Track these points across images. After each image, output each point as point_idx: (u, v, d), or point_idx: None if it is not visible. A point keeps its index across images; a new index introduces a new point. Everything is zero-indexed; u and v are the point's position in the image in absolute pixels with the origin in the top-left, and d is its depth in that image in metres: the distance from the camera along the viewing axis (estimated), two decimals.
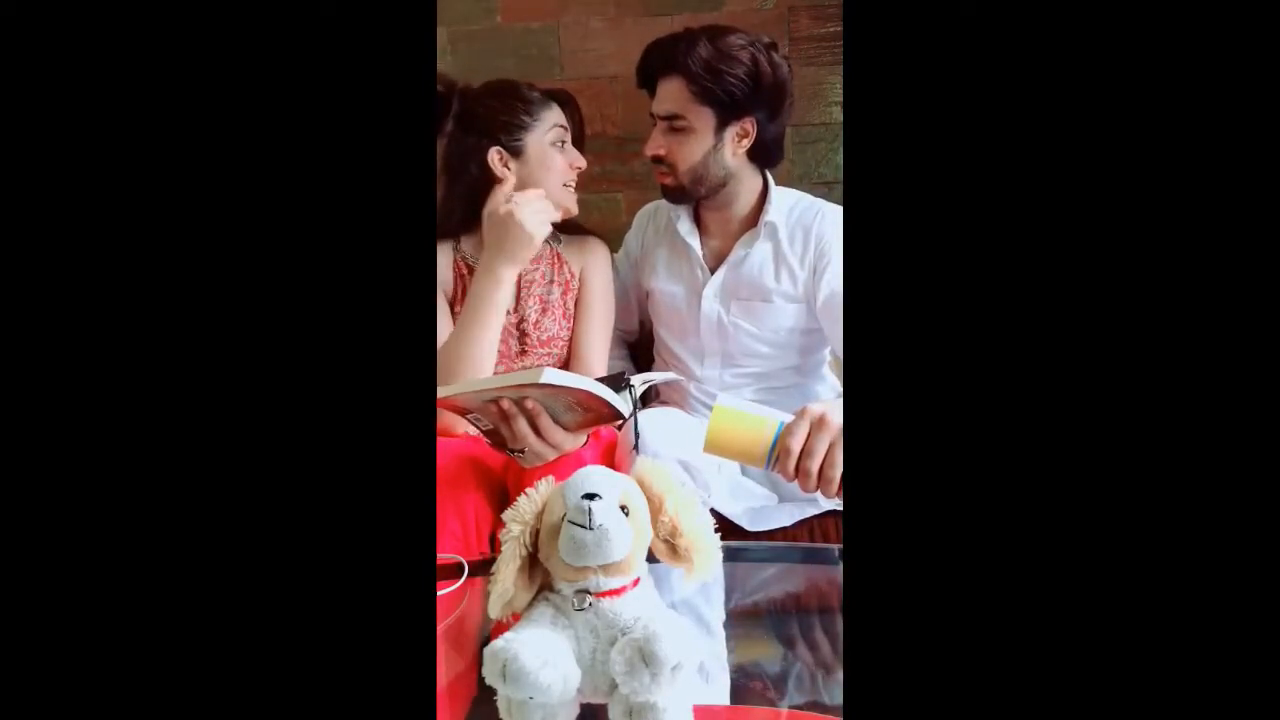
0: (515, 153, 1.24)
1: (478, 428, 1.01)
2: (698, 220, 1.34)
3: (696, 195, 1.28)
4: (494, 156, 1.23)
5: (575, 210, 1.28)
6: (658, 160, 1.27)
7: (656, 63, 1.23)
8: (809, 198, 1.33)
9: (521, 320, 1.28)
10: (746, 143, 1.25)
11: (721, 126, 1.22)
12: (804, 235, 1.27)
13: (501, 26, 1.65)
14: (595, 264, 1.33)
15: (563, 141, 1.26)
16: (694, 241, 1.33)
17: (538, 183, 1.23)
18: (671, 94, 1.22)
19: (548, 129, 1.25)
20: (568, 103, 1.29)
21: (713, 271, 1.32)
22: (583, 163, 1.28)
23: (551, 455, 1.00)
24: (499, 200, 1.15)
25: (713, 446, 0.81)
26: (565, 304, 1.31)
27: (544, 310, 1.29)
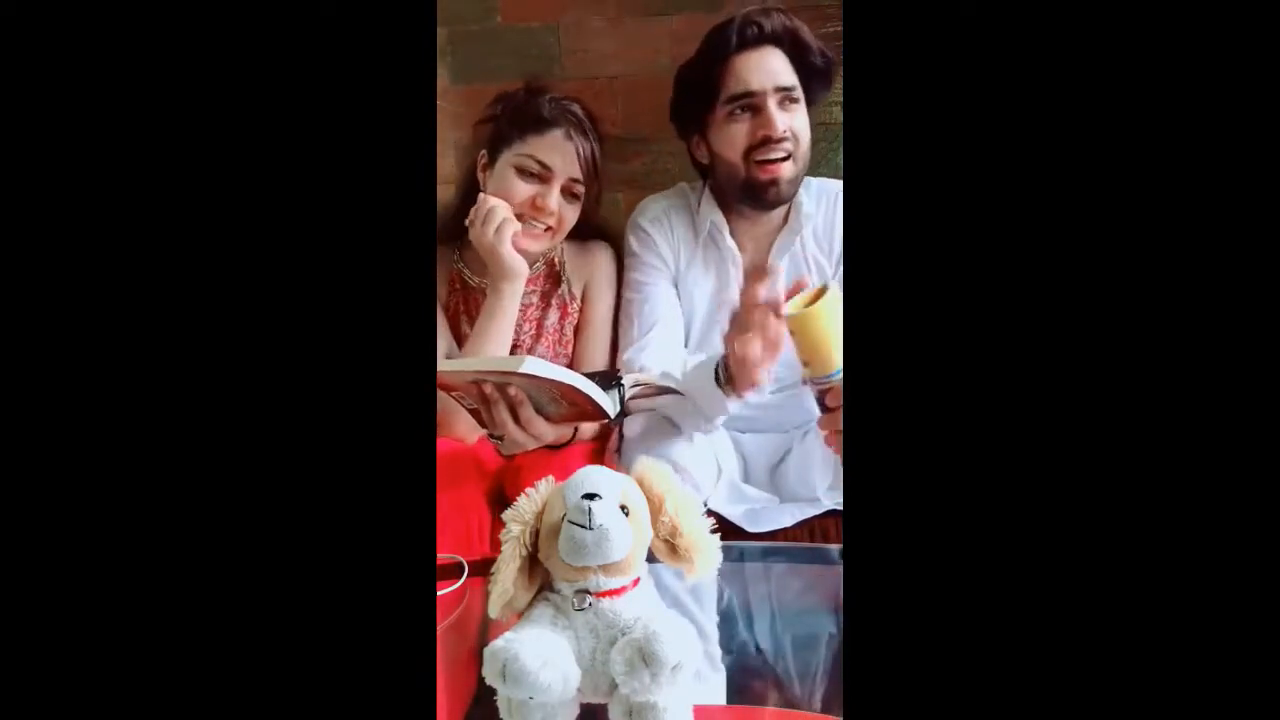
0: (493, 162, 1.18)
1: (462, 405, 1.00)
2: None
3: (796, 190, 1.15)
4: (480, 159, 1.19)
5: (521, 264, 1.10)
6: (773, 144, 1.10)
7: (755, 30, 1.11)
8: (815, 180, 1.24)
9: (514, 345, 1.22)
10: None
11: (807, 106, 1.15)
12: (827, 227, 1.21)
13: (501, 26, 1.65)
14: (600, 282, 1.25)
15: (533, 171, 1.13)
16: (739, 257, 1.21)
17: None
18: (781, 65, 1.11)
19: (515, 154, 1.13)
20: (574, 138, 1.14)
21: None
22: (547, 204, 1.12)
23: (531, 445, 0.96)
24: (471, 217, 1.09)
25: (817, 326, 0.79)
26: (562, 329, 1.24)
27: (538, 336, 1.23)
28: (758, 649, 0.87)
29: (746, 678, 0.81)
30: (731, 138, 1.12)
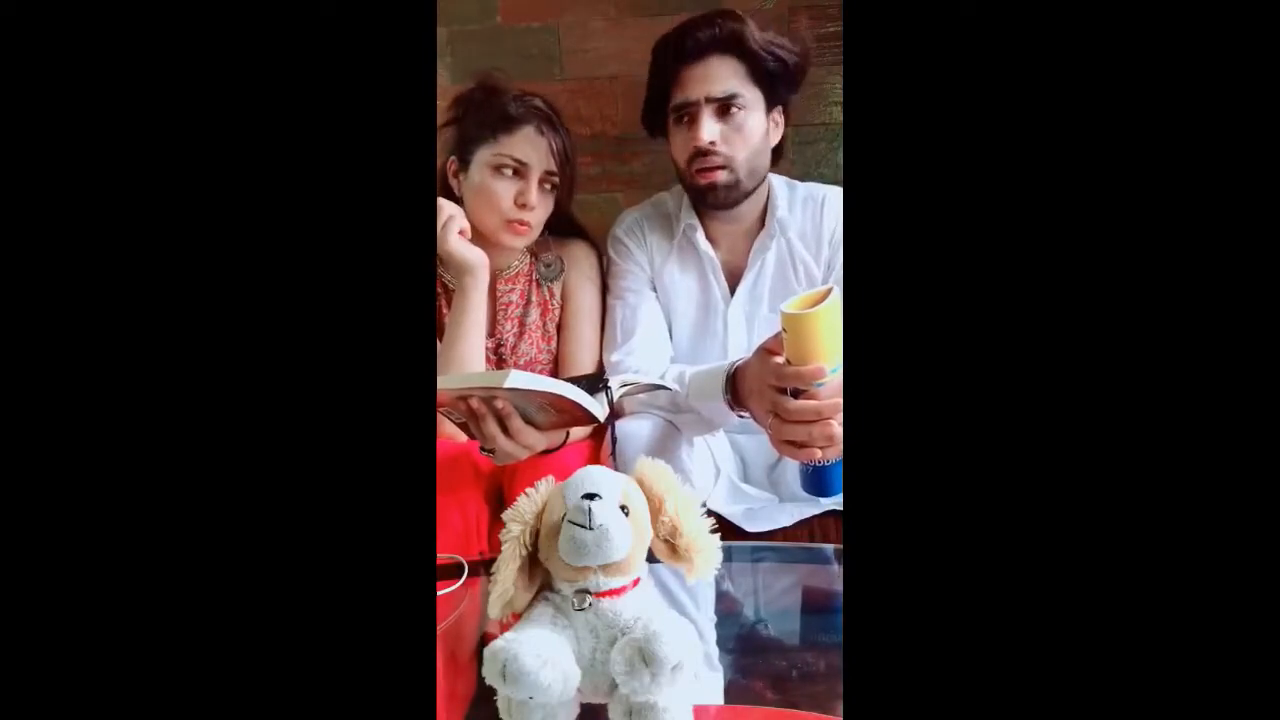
0: (464, 166, 1.18)
1: (451, 420, 1.00)
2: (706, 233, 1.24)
3: (744, 193, 1.17)
4: (450, 165, 1.19)
5: (476, 255, 1.11)
6: (703, 154, 1.13)
7: (694, 42, 1.12)
8: (802, 185, 1.27)
9: (499, 344, 1.23)
10: (777, 133, 1.19)
11: (767, 111, 1.16)
12: (814, 231, 1.22)
13: (501, 26, 1.65)
14: (579, 277, 1.26)
15: (511, 170, 1.14)
16: (714, 257, 1.23)
17: (475, 209, 1.16)
18: (724, 73, 1.12)
19: (490, 155, 1.14)
20: (545, 133, 1.15)
21: (731, 290, 1.24)
22: (529, 200, 1.14)
23: (523, 455, 0.97)
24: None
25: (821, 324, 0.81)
26: (544, 326, 1.24)
27: (521, 333, 1.23)
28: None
29: (746, 678, 0.81)
30: (678, 145, 1.18)
